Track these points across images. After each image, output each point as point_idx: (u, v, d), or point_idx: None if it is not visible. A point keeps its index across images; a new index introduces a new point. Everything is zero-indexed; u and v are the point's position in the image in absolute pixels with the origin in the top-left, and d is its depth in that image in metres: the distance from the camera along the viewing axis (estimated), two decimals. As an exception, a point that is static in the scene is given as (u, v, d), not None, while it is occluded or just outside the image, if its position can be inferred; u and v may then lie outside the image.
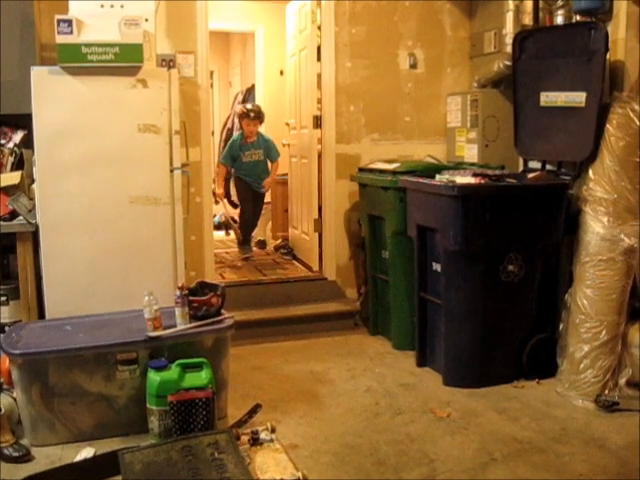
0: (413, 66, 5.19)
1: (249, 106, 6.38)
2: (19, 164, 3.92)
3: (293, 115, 6.18)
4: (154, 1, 3.88)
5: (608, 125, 3.65)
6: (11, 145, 3.95)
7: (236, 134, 6.57)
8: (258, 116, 6.12)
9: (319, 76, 5.23)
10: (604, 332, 3.57)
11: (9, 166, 3.92)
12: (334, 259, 5.18)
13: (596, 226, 3.62)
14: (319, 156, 5.27)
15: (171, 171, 3.73)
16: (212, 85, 9.49)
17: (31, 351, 3.06)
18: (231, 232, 7.10)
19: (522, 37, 4.23)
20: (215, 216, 6.80)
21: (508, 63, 4.42)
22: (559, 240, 3.87)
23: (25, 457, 2.94)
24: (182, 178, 3.80)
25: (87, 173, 3.59)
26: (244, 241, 6.33)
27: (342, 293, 5.17)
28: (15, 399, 3.16)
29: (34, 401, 3.05)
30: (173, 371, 3.05)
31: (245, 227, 6.37)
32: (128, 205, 3.66)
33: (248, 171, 6.17)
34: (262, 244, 6.72)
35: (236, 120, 8.17)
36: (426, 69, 5.23)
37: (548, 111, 4.07)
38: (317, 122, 5.26)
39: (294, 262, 5.86)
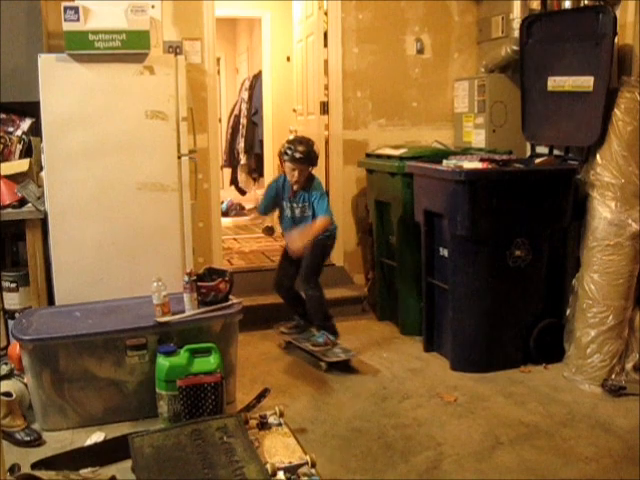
0: (420, 51, 5.16)
1: (292, 138, 4.45)
2: (27, 152, 3.94)
3: (300, 101, 6.16)
4: (160, -12, 3.88)
5: (616, 110, 3.63)
6: (19, 133, 3.97)
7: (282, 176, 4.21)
8: (303, 159, 3.97)
9: (326, 62, 5.23)
10: (611, 317, 3.57)
11: (17, 154, 3.95)
12: (341, 245, 5.17)
13: (603, 211, 3.62)
14: (326, 142, 5.27)
15: (179, 157, 3.74)
16: (219, 72, 9.48)
17: (41, 337, 3.09)
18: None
19: (530, 22, 4.21)
20: (223, 202, 6.78)
21: (515, 48, 4.40)
22: (566, 225, 3.87)
23: (36, 441, 2.98)
24: (189, 164, 3.82)
25: (95, 160, 3.61)
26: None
27: (350, 279, 5.17)
28: (26, 384, 3.20)
29: (45, 386, 3.09)
30: (182, 356, 3.07)
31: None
32: (136, 192, 3.68)
33: (290, 228, 4.15)
34: (270, 230, 6.72)
35: (243, 107, 8.16)
36: (433, 54, 5.20)
37: (556, 96, 4.05)
38: (324, 108, 5.26)
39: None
